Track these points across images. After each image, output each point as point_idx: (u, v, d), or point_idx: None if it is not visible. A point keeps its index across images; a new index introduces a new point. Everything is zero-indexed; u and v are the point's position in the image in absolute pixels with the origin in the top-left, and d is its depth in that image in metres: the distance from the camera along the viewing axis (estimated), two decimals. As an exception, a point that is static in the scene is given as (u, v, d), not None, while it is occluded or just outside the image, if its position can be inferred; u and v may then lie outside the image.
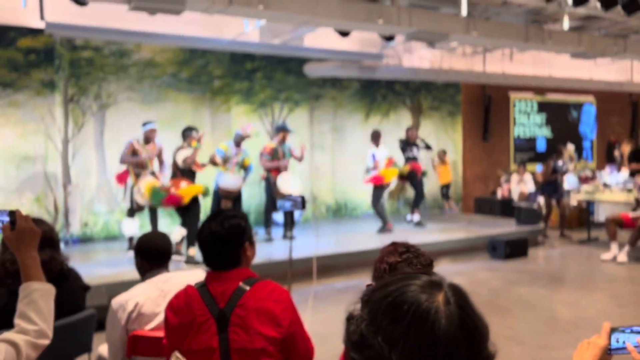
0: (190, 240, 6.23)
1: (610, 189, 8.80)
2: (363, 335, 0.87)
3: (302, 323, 2.07)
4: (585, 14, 8.07)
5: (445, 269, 7.07)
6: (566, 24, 8.14)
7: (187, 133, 6.68)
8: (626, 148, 10.78)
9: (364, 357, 0.87)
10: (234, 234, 2.01)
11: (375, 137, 8.45)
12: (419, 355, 0.83)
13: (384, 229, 8.15)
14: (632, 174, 9.08)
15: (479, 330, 0.88)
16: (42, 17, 6.92)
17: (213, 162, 6.95)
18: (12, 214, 1.52)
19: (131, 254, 6.52)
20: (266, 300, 1.93)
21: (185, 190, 6.30)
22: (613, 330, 1.37)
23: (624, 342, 1.35)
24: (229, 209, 6.89)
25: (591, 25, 9.20)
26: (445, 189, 10.43)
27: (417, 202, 9.01)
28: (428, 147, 9.12)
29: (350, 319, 0.92)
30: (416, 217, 8.97)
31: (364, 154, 8.63)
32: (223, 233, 1.99)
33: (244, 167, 7.24)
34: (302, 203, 4.34)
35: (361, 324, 0.88)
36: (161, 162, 6.88)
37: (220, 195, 7.03)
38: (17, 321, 1.47)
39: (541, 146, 12.71)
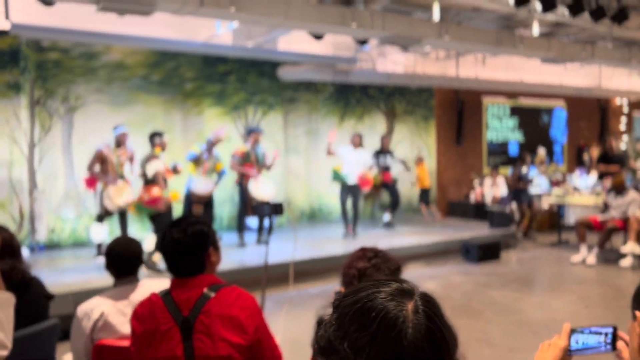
0: (156, 246, 6.13)
1: (579, 192, 8.97)
2: (330, 341, 0.86)
3: (269, 329, 2.04)
4: (555, 20, 8.23)
5: (419, 273, 7.10)
6: (536, 29, 8.28)
7: (154, 138, 6.51)
8: (595, 152, 11.01)
9: None
10: (196, 241, 1.98)
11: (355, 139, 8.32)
12: None
13: (346, 232, 8.12)
14: (601, 176, 9.27)
15: (446, 342, 0.86)
16: (7, 17, 6.72)
17: (174, 170, 6.75)
18: None
19: (100, 260, 6.44)
20: (231, 307, 1.90)
21: (161, 193, 6.19)
22: (573, 331, 1.39)
23: (583, 343, 1.37)
24: (195, 214, 6.78)
25: (560, 32, 9.39)
26: (424, 193, 10.47)
27: (393, 206, 9.07)
28: (404, 165, 9.29)
29: (319, 323, 0.91)
30: (387, 217, 9.00)
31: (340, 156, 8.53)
32: (186, 240, 1.96)
33: (217, 172, 7.14)
34: (280, 208, 4.30)
35: (329, 329, 0.87)
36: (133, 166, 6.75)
37: (191, 199, 6.93)
38: None
39: (513, 150, 12.90)
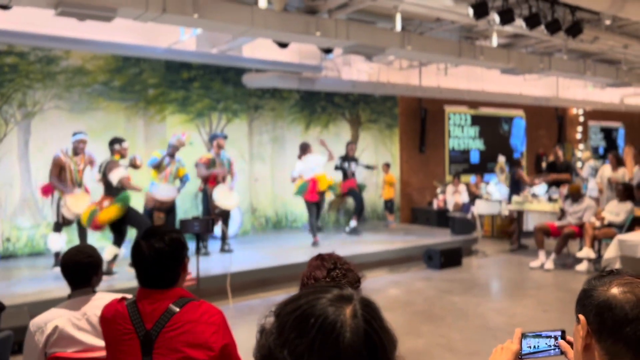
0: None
1: (538, 199, 9.22)
2: (271, 349, 0.86)
3: (236, 346, 1.99)
4: (513, 32, 8.48)
5: (383, 279, 7.16)
6: (495, 40, 8.52)
7: (114, 145, 6.23)
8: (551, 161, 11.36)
9: None
10: (176, 250, 1.95)
11: (304, 149, 8.30)
12: None
13: (313, 242, 8.09)
14: (553, 184, 9.54)
15: (383, 345, 0.87)
16: (-40, 20, 6.50)
17: (133, 165, 6.40)
18: None
19: (57, 270, 6.24)
20: (197, 323, 1.86)
21: (104, 213, 5.96)
22: (524, 335, 1.44)
23: (534, 347, 1.42)
24: (162, 223, 6.67)
25: (519, 43, 9.69)
26: (389, 203, 10.59)
27: (357, 210, 9.14)
28: (369, 167, 9.46)
29: (261, 332, 0.90)
30: (353, 223, 9.06)
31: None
32: (167, 250, 1.92)
33: (179, 177, 7.02)
34: (211, 225, 4.23)
35: (269, 338, 0.87)
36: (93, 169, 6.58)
37: (152, 206, 6.77)
38: None
39: (475, 158, 13.18)
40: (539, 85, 13.45)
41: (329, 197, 9.04)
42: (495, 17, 6.74)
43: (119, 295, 2.51)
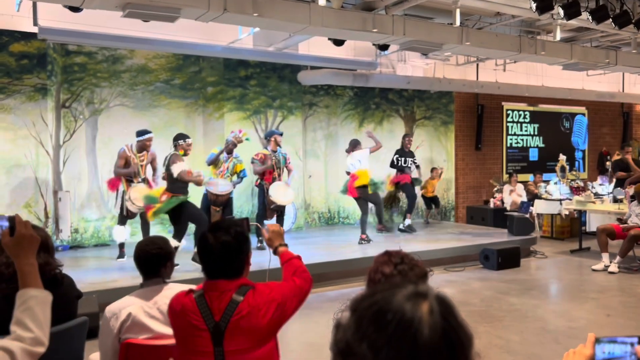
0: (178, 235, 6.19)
1: (601, 200, 8.85)
2: (349, 343, 0.87)
3: (290, 290, 2.14)
4: (577, 25, 8.15)
5: (437, 278, 7.07)
6: (558, 35, 8.22)
7: (178, 140, 6.41)
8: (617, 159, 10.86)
9: None
10: (241, 242, 2.05)
11: (353, 145, 8.22)
12: None
13: (361, 239, 8.05)
14: (618, 184, 9.12)
15: (461, 341, 0.88)
16: (35, 22, 6.89)
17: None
18: (12, 219, 1.48)
19: (122, 262, 6.53)
20: (258, 307, 1.98)
21: (158, 207, 6.17)
22: (598, 340, 1.39)
23: (609, 353, 1.37)
24: (219, 217, 6.84)
25: (582, 37, 9.30)
26: (429, 201, 10.36)
27: (409, 205, 9.04)
28: (417, 167, 9.35)
29: (337, 326, 0.92)
30: (407, 220, 8.98)
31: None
32: (233, 242, 2.02)
33: (236, 173, 7.19)
34: (247, 225, 4.23)
35: (347, 332, 0.88)
36: (154, 169, 6.84)
37: (209, 200, 6.94)
38: (13, 328, 1.45)
39: (533, 156, 12.79)
40: (602, 80, 12.86)
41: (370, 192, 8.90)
42: (560, 11, 6.51)
43: (187, 287, 2.62)
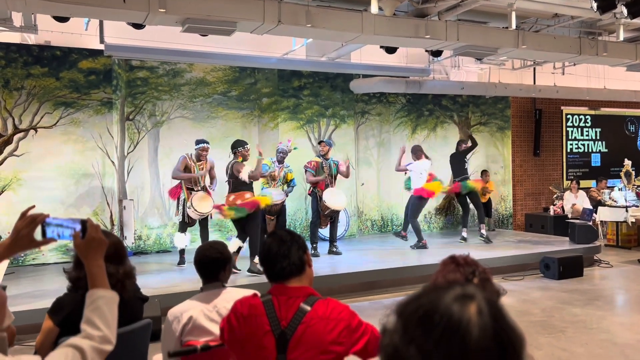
0: (253, 250, 6.31)
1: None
2: (397, 348, 0.86)
3: (368, 325, 2.01)
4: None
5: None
6: (621, 35, 7.88)
7: (237, 147, 6.61)
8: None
9: None
10: (295, 235, 2.11)
11: (416, 151, 8.24)
12: None
13: (419, 244, 8.00)
14: None
15: (512, 342, 0.86)
16: (101, 40, 7.29)
17: (272, 178, 7.14)
18: (84, 222, 1.56)
19: (182, 267, 6.76)
20: (327, 320, 1.94)
21: (259, 197, 6.50)
22: None
23: None
24: (275, 225, 7.02)
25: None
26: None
27: (479, 215, 8.84)
28: (474, 144, 8.95)
29: (384, 331, 0.91)
30: (483, 231, 8.69)
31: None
32: (288, 237, 2.07)
33: (287, 182, 7.33)
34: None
35: (394, 336, 0.87)
36: (212, 178, 7.05)
37: (264, 210, 7.08)
38: (83, 326, 1.52)
39: (596, 161, 12.27)
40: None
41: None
42: (623, 10, 6.25)
43: (246, 292, 2.66)
